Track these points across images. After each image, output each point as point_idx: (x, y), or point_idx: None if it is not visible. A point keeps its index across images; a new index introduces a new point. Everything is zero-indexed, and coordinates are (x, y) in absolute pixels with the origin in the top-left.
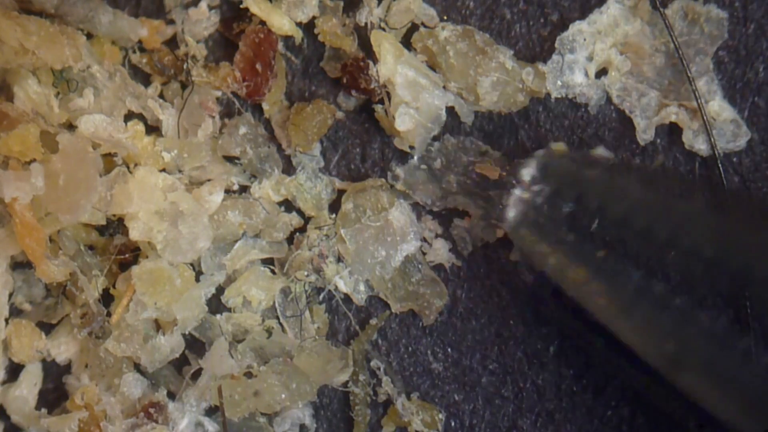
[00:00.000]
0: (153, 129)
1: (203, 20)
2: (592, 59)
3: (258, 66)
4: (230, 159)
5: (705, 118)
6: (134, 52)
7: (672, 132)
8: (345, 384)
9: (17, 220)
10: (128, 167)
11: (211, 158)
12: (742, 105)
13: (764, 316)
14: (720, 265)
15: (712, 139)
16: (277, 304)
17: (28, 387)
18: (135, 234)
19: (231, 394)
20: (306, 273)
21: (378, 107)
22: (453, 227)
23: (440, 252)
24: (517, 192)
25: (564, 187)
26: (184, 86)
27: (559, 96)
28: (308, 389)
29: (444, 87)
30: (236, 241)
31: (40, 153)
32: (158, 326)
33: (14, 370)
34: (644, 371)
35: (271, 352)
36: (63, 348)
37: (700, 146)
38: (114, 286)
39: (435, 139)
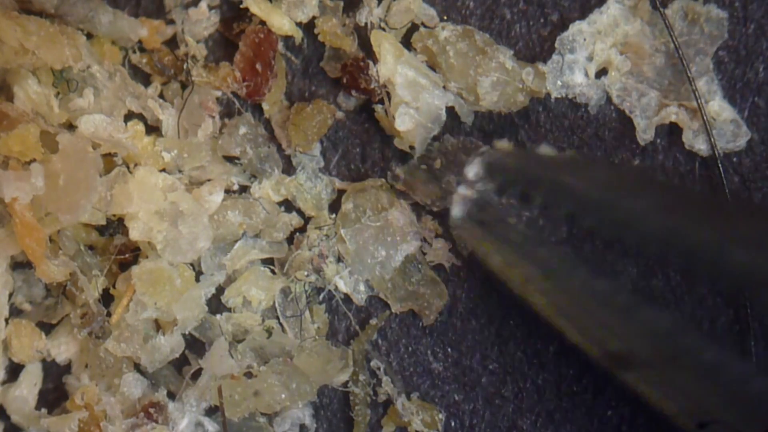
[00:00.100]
0: (153, 129)
1: (203, 20)
2: (592, 59)
3: (258, 66)
4: (230, 159)
5: (705, 118)
6: (134, 52)
7: (672, 132)
8: (345, 384)
9: (17, 220)
10: (128, 167)
11: (211, 158)
12: (742, 105)
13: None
14: (666, 261)
15: (712, 139)
16: (277, 304)
17: (28, 387)
18: (135, 234)
19: (231, 394)
20: (306, 273)
21: (378, 107)
22: (452, 227)
23: (440, 252)
24: (461, 190)
25: (508, 184)
26: (184, 86)
27: (559, 96)
28: (308, 389)
29: (444, 87)
30: (236, 241)
31: (40, 153)
32: (158, 326)
33: (14, 370)
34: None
35: (271, 352)
36: (63, 348)
37: (700, 146)
38: (114, 286)
39: (435, 139)
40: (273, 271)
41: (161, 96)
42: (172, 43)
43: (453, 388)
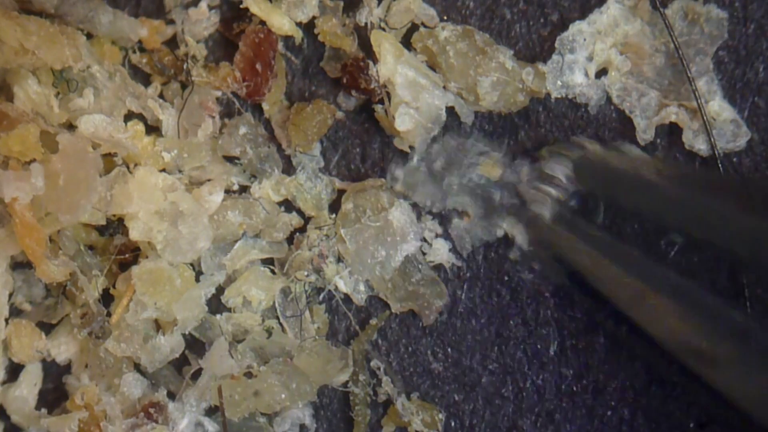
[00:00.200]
0: (153, 129)
1: (203, 20)
2: (592, 59)
3: (258, 66)
4: (230, 159)
5: (705, 118)
6: (134, 52)
7: (672, 132)
8: (345, 384)
9: (17, 220)
10: (128, 167)
11: (211, 158)
12: (742, 105)
13: None
14: (754, 265)
15: (712, 139)
16: (277, 304)
17: (28, 387)
18: (135, 234)
19: (231, 394)
20: (306, 273)
21: (378, 107)
22: (452, 227)
23: (440, 252)
24: (552, 191)
25: (598, 186)
26: (184, 86)
27: (559, 96)
28: (308, 389)
29: (444, 87)
30: (236, 241)
31: (40, 153)
32: (158, 326)
33: (14, 370)
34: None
35: (271, 352)
36: (63, 348)
37: (700, 146)
38: (114, 286)
39: (435, 140)
40: (273, 271)
41: (161, 96)
42: (172, 43)
43: (453, 388)
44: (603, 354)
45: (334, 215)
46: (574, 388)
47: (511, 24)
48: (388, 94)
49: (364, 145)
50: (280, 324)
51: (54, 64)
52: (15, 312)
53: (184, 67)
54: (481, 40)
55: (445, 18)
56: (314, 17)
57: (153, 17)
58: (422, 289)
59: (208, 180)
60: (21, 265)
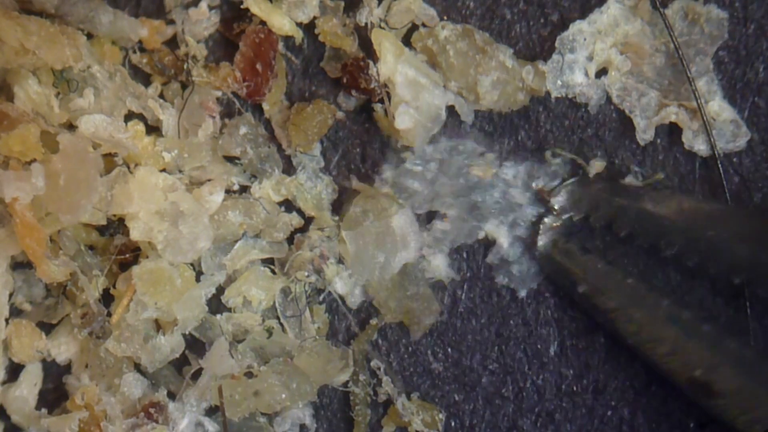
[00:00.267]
0: (153, 129)
1: (203, 20)
2: (592, 59)
3: (258, 66)
4: (230, 159)
5: (705, 118)
6: (134, 52)
7: (672, 132)
8: (345, 384)
9: (18, 220)
10: (129, 167)
11: (211, 158)
12: (742, 105)
13: None
14: (750, 291)
15: (712, 139)
16: (277, 304)
17: (28, 387)
18: (135, 234)
19: (231, 394)
20: (306, 273)
21: (378, 107)
22: (433, 228)
23: (439, 268)
24: (547, 220)
25: (594, 214)
26: (184, 86)
27: (559, 95)
28: (308, 389)
29: (444, 86)
30: (236, 241)
31: (40, 153)
32: (158, 326)
33: (14, 370)
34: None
35: (271, 352)
36: (63, 348)
37: (700, 146)
38: (114, 286)
39: (430, 141)
40: (273, 271)
41: (161, 96)
42: (173, 43)
43: (453, 388)
44: (603, 354)
45: (336, 217)
46: (574, 388)
47: (511, 24)
48: (388, 94)
49: (364, 145)
50: (281, 324)
51: (54, 64)
52: (15, 312)
53: (185, 67)
54: (481, 39)
55: (445, 18)
56: (315, 17)
57: (153, 17)
58: (415, 304)
59: (209, 180)
60: (21, 265)
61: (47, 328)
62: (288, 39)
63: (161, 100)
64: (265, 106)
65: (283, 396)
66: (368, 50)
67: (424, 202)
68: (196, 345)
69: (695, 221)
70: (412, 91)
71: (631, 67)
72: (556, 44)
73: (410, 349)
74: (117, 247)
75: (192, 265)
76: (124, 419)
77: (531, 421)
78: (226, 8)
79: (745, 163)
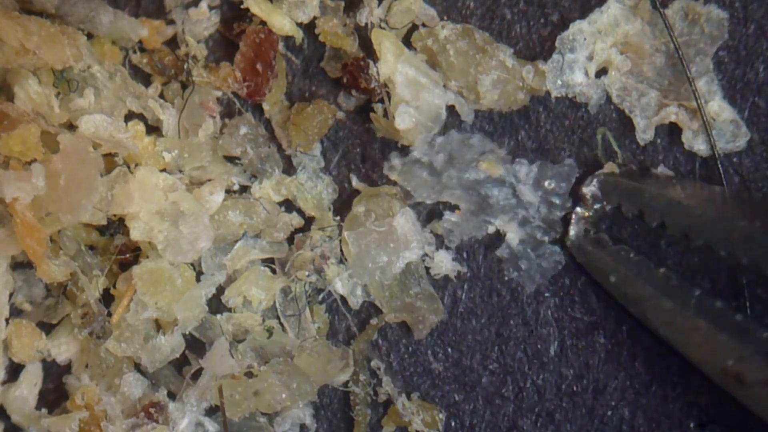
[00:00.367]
0: (153, 129)
1: (204, 20)
2: (592, 59)
3: (258, 66)
4: (231, 159)
5: (705, 118)
6: (135, 52)
7: (672, 132)
8: (345, 384)
9: (18, 220)
10: (129, 167)
11: (211, 158)
12: (742, 105)
13: None
14: None
15: (712, 140)
16: (277, 304)
17: (29, 387)
18: (136, 234)
19: (231, 394)
20: (307, 273)
21: (377, 106)
22: (443, 220)
23: (443, 264)
24: (578, 210)
25: (625, 204)
26: (184, 86)
27: (560, 95)
28: (309, 389)
29: (444, 86)
30: (237, 241)
31: (40, 153)
32: (159, 326)
33: (14, 370)
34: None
35: (271, 352)
36: (63, 348)
37: (700, 146)
38: (114, 286)
39: (439, 133)
40: (273, 271)
41: (162, 96)
42: (173, 43)
43: (453, 388)
44: (603, 354)
45: (338, 217)
46: (574, 388)
47: (511, 24)
48: (388, 94)
49: (364, 145)
50: (281, 324)
51: (55, 64)
52: (15, 312)
53: (185, 67)
54: (481, 39)
55: (445, 18)
56: (315, 17)
57: (153, 17)
58: (419, 303)
59: (209, 180)
60: (21, 265)
61: (47, 328)
62: (288, 39)
63: (161, 100)
64: (266, 106)
65: (283, 396)
66: (368, 50)
67: (432, 192)
68: (196, 345)
69: (726, 211)
70: (412, 91)
71: (631, 67)
72: (556, 44)
73: (410, 349)
74: (117, 247)
75: (192, 265)
76: (124, 419)
77: (531, 421)
78: (226, 8)
79: (745, 163)
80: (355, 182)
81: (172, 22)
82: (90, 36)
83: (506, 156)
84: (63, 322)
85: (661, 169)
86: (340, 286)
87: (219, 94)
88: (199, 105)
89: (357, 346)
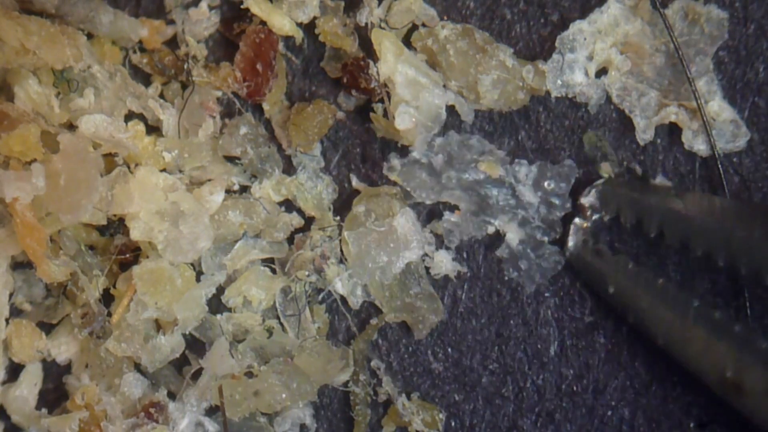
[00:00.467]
0: (153, 129)
1: (204, 20)
2: (592, 58)
3: (258, 66)
4: (231, 159)
5: (705, 118)
6: (135, 52)
7: (672, 132)
8: (345, 384)
9: (18, 220)
10: (129, 167)
11: (211, 158)
12: (742, 105)
13: None
14: None
15: (712, 140)
16: (277, 304)
17: (29, 387)
18: (136, 234)
19: (231, 394)
20: (307, 273)
21: (377, 106)
22: (442, 220)
23: (443, 264)
24: (577, 220)
25: (624, 214)
26: (184, 86)
27: (560, 95)
28: (309, 389)
29: (444, 86)
30: (237, 241)
31: (40, 153)
32: (159, 326)
33: (14, 370)
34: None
35: (271, 352)
36: (63, 348)
37: (700, 146)
38: (114, 286)
39: (438, 134)
40: (273, 271)
41: (162, 96)
42: (173, 43)
43: (453, 388)
44: (603, 354)
45: (338, 217)
46: (574, 388)
47: (511, 24)
48: (388, 94)
49: (364, 145)
50: (281, 324)
51: (55, 64)
52: (15, 312)
53: (185, 67)
54: (481, 39)
55: (445, 18)
56: (315, 17)
57: (153, 17)
58: (419, 303)
59: (209, 180)
60: (21, 265)
61: (47, 328)
62: (288, 39)
63: (161, 100)
64: (266, 106)
65: (283, 396)
66: (368, 50)
67: (432, 193)
68: (196, 345)
69: (725, 221)
70: (412, 91)
71: (631, 67)
72: (556, 44)
73: (410, 349)
74: (117, 247)
75: (192, 265)
76: (124, 419)
77: (531, 421)
78: (226, 8)
79: (745, 163)
80: (355, 182)
81: (172, 22)
82: (90, 36)
83: (505, 157)
84: (63, 322)
85: (659, 179)
86: (340, 286)
87: (219, 94)
88: (199, 105)
89: (357, 346)
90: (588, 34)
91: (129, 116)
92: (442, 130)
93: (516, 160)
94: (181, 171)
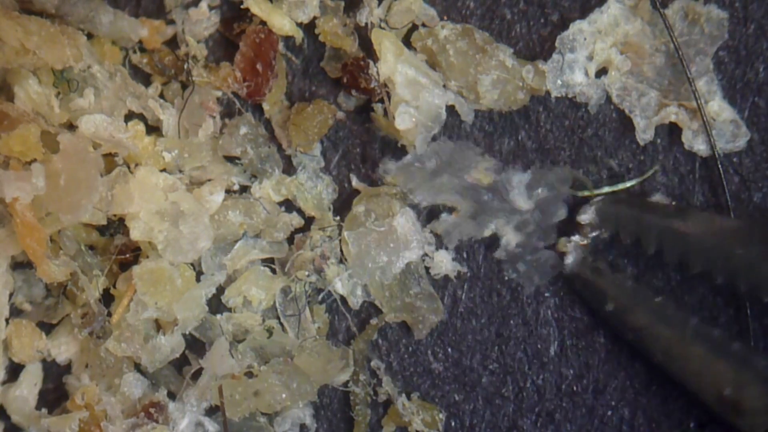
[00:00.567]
0: (153, 129)
1: (204, 20)
2: (592, 58)
3: (258, 66)
4: (231, 159)
5: (705, 118)
6: (135, 52)
7: (672, 132)
8: (345, 384)
9: (18, 220)
10: (129, 167)
11: (211, 158)
12: (742, 105)
13: None
14: None
15: (712, 140)
16: (277, 304)
17: (29, 387)
18: (136, 234)
19: (231, 394)
20: (307, 273)
21: (377, 106)
22: (440, 222)
23: (443, 264)
24: (575, 238)
25: (622, 232)
26: (184, 86)
27: (559, 95)
28: (309, 389)
29: (444, 86)
30: (237, 241)
31: (40, 153)
32: (159, 326)
33: (14, 370)
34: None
35: (271, 352)
36: (63, 348)
37: (700, 146)
38: (114, 286)
39: (431, 141)
40: (273, 271)
41: (162, 96)
42: (173, 43)
43: (453, 388)
44: (603, 354)
45: (338, 217)
46: (574, 388)
47: (511, 24)
48: (388, 94)
49: (364, 145)
50: (281, 324)
51: (55, 64)
52: (15, 312)
53: (185, 67)
54: (481, 39)
55: (445, 18)
56: (315, 17)
57: (153, 17)
58: (419, 303)
59: (209, 180)
60: (21, 265)
61: (47, 328)
62: (288, 39)
63: (161, 100)
64: (265, 106)
65: (283, 396)
66: (368, 50)
67: (428, 195)
68: (196, 345)
69: (723, 239)
70: (412, 91)
71: (631, 67)
72: (556, 44)
73: (410, 349)
74: (117, 247)
75: (192, 265)
76: (124, 419)
77: (531, 421)
78: (226, 8)
79: (745, 163)
80: (355, 182)
81: (172, 22)
82: (90, 36)
83: (498, 163)
84: (63, 322)
85: (658, 197)
86: (340, 286)
87: (219, 94)
88: (199, 105)
89: (357, 346)
90: (588, 34)
91: (129, 116)
92: (441, 131)
93: (509, 167)
94: (181, 171)
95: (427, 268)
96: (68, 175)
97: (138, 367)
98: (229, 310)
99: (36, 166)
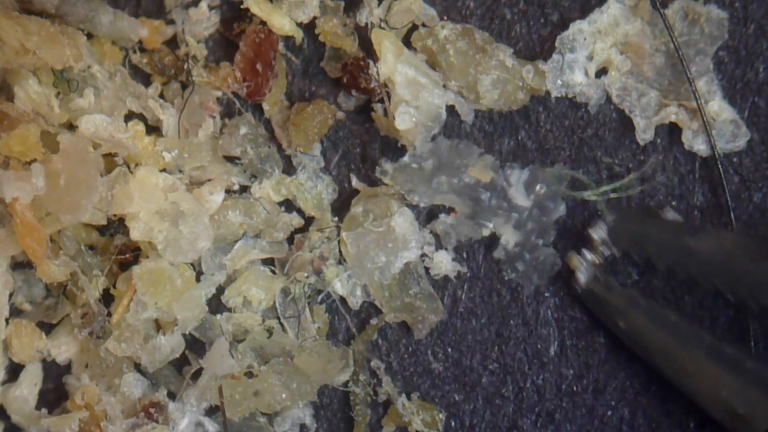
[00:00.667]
0: (153, 129)
1: (203, 20)
2: (592, 58)
3: (258, 66)
4: (231, 159)
5: (705, 118)
6: (135, 52)
7: (672, 132)
8: (345, 384)
9: (18, 220)
10: (129, 167)
11: (211, 158)
12: (742, 105)
13: None
14: None
15: (712, 140)
16: (277, 304)
17: (28, 387)
18: (136, 234)
19: (231, 394)
20: (306, 274)
21: (377, 106)
22: (438, 222)
23: (443, 264)
24: (587, 255)
25: (633, 249)
26: (184, 86)
27: (559, 95)
28: (308, 389)
29: (444, 86)
30: (237, 241)
31: (40, 153)
32: (159, 326)
33: (14, 370)
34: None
35: (271, 352)
36: (63, 348)
37: (700, 146)
38: (114, 286)
39: (428, 140)
40: (273, 271)
41: (162, 96)
42: (173, 43)
43: (453, 388)
44: (603, 354)
45: (336, 218)
46: (574, 388)
47: (511, 24)
48: (388, 94)
49: (364, 145)
50: (281, 324)
51: (55, 64)
52: (15, 312)
53: (185, 67)
54: (481, 39)
55: (445, 18)
56: (315, 17)
57: (153, 17)
58: (418, 303)
59: (209, 180)
60: (21, 265)
61: (47, 328)
62: (288, 39)
63: (161, 100)
64: (265, 106)
65: (283, 396)
66: (368, 50)
67: (425, 196)
68: (196, 345)
69: (736, 257)
70: (412, 91)
71: (631, 67)
72: (556, 44)
73: (410, 349)
74: (117, 247)
75: (192, 265)
76: (124, 419)
77: (531, 421)
78: (226, 8)
79: (745, 163)
80: (355, 182)
81: (172, 22)
82: (90, 36)
83: (495, 161)
84: (63, 322)
85: (670, 214)
86: (339, 287)
87: (219, 94)
88: (199, 105)
89: (357, 346)
90: (588, 34)
91: (129, 116)
92: (441, 131)
93: (507, 164)
94: (181, 171)
95: (426, 269)
96: (68, 175)
97: (138, 367)
98: (229, 310)
99: (36, 166)
